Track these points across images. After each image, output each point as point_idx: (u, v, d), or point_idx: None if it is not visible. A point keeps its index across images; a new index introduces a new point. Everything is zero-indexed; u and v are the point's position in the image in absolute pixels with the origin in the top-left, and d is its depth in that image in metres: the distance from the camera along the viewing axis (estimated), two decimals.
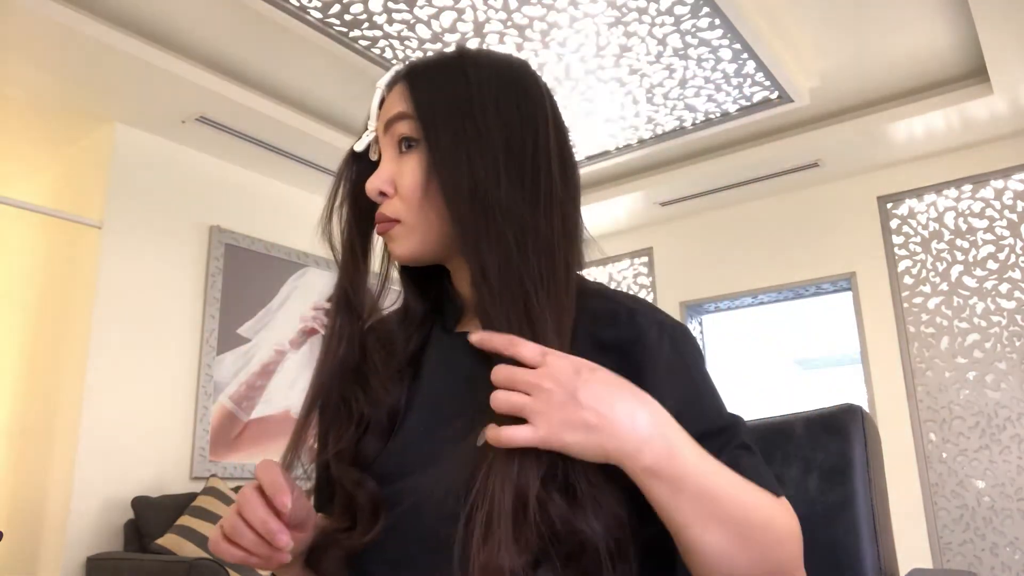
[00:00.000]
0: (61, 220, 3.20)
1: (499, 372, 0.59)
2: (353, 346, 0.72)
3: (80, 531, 2.83)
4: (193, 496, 2.95)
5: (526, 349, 0.59)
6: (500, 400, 0.58)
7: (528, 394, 0.57)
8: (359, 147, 0.73)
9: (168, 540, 2.73)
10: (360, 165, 0.74)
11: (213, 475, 3.16)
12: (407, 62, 0.75)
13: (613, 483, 0.60)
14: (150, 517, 2.81)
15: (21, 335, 3.48)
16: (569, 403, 0.56)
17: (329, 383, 0.70)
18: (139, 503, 2.84)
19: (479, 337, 0.61)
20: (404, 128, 0.69)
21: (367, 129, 0.73)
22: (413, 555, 0.63)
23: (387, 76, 0.74)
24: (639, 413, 0.58)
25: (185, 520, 2.81)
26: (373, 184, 0.70)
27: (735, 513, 0.59)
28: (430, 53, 2.95)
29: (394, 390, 0.71)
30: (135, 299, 3.14)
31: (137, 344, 3.12)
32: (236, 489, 3.02)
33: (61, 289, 3.27)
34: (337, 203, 0.73)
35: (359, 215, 0.73)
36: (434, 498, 0.62)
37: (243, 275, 3.52)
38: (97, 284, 3.04)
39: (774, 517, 0.60)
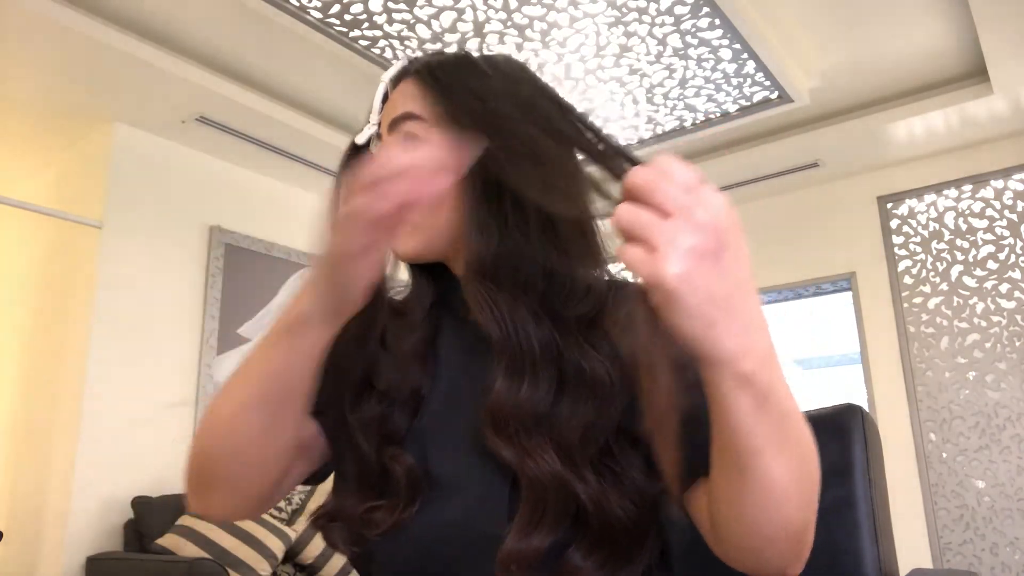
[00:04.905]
0: (61, 220, 3.19)
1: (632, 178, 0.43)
2: (368, 317, 0.68)
3: (80, 531, 2.82)
4: None
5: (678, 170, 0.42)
6: (624, 213, 0.42)
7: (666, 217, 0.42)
8: (361, 140, 0.72)
9: (168, 540, 2.73)
10: (362, 157, 0.73)
11: None
12: (411, 58, 0.74)
13: (637, 452, 0.59)
14: (150, 517, 2.81)
15: (21, 335, 3.47)
16: (712, 258, 0.41)
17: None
18: (139, 503, 2.84)
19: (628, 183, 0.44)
20: (413, 129, 0.68)
21: (369, 122, 0.72)
22: (448, 556, 0.63)
23: (392, 71, 0.72)
24: (759, 307, 0.45)
25: (185, 520, 2.81)
26: None
27: (801, 439, 0.51)
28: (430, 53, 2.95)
29: (415, 370, 0.69)
30: (135, 299, 3.14)
31: (137, 344, 3.11)
32: None
33: (61, 289, 3.27)
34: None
35: None
36: (478, 514, 0.61)
37: (243, 275, 3.51)
38: (97, 284, 3.03)
39: (815, 453, 0.53)
